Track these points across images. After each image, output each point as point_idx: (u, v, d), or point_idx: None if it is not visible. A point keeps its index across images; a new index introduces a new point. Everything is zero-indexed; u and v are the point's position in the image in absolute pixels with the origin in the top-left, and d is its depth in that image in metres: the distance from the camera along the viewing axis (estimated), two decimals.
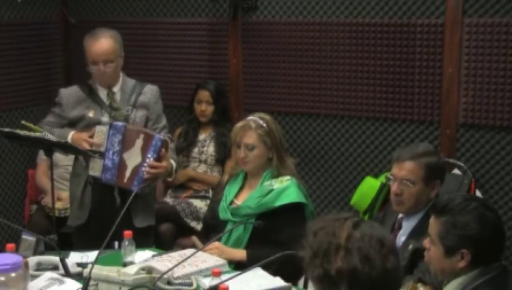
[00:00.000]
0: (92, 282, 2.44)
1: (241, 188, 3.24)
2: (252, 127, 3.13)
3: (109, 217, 3.11)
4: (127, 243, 2.82)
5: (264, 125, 3.13)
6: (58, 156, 3.76)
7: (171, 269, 2.57)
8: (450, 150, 3.92)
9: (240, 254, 3.04)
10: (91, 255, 2.89)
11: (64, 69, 5.07)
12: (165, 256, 2.94)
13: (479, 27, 3.77)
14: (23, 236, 2.92)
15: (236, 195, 3.22)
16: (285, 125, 4.41)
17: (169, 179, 4.11)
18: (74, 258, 2.92)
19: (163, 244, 3.86)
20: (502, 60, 3.74)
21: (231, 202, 3.20)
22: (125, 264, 2.74)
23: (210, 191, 4.29)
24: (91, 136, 3.40)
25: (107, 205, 3.43)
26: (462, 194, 3.19)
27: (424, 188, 2.84)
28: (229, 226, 3.10)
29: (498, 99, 3.78)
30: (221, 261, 2.90)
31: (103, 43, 3.44)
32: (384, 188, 3.68)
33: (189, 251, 2.92)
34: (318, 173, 4.38)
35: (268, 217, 3.02)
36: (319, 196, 4.39)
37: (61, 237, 3.17)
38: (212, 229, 3.24)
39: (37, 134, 3.22)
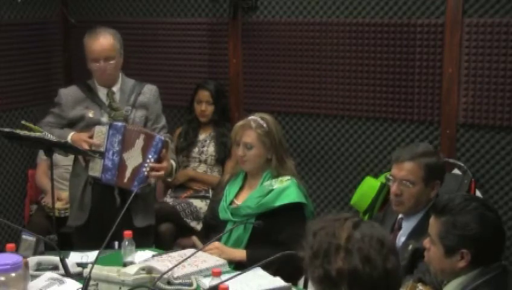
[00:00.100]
0: (92, 282, 2.44)
1: (241, 188, 3.24)
2: (252, 127, 3.13)
3: (109, 217, 3.11)
4: (127, 243, 2.82)
5: (265, 125, 3.13)
6: (58, 156, 3.76)
7: (171, 269, 2.57)
8: (450, 150, 3.92)
9: (240, 254, 3.04)
10: (91, 255, 2.89)
11: (64, 69, 5.07)
12: (165, 256, 2.94)
13: (479, 27, 3.77)
14: (23, 236, 2.92)
15: (237, 195, 3.22)
16: (285, 125, 4.41)
17: (169, 179, 4.12)
18: (74, 258, 2.92)
19: (163, 244, 3.86)
20: (502, 60, 3.74)
21: (231, 202, 3.20)
22: (125, 264, 2.74)
23: (210, 191, 4.29)
24: (90, 137, 3.40)
25: (107, 205, 3.43)
26: (462, 194, 3.19)
27: (424, 189, 2.84)
28: (229, 226, 3.10)
29: (498, 99, 3.78)
30: (221, 261, 2.90)
31: (104, 40, 3.45)
32: (384, 188, 3.68)
33: (189, 251, 2.92)
34: (318, 173, 4.38)
35: (268, 217, 3.02)
36: (319, 196, 4.39)
37: (61, 237, 3.17)
38: (212, 229, 3.24)
39: (37, 134, 3.22)
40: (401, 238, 2.88)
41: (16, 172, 4.75)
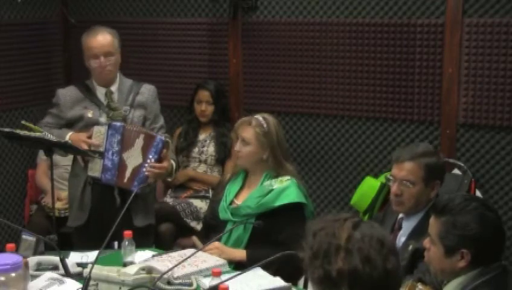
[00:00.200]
0: (92, 282, 2.44)
1: (241, 188, 3.24)
2: (252, 124, 3.15)
3: (109, 217, 3.12)
4: (127, 243, 2.82)
5: (265, 125, 3.13)
6: (58, 156, 3.77)
7: (171, 269, 2.57)
8: (450, 150, 3.92)
9: (240, 254, 3.05)
10: (91, 255, 2.89)
11: (64, 69, 5.07)
12: (165, 256, 2.94)
13: (479, 27, 3.77)
14: (23, 236, 2.92)
15: (237, 195, 3.22)
16: (285, 125, 4.41)
17: (169, 179, 4.12)
18: (74, 258, 2.92)
19: (163, 244, 3.86)
20: (502, 60, 3.74)
21: (231, 202, 3.20)
22: (125, 264, 2.74)
23: (210, 191, 4.29)
24: (89, 137, 3.40)
25: (107, 205, 3.43)
26: (462, 194, 3.19)
27: (424, 189, 2.84)
28: (229, 226, 3.10)
29: (498, 99, 3.78)
30: (221, 261, 2.91)
31: (103, 37, 3.46)
32: (384, 188, 3.67)
33: (189, 251, 2.92)
34: (318, 173, 4.38)
35: (268, 217, 3.02)
36: (319, 196, 4.39)
37: (61, 237, 3.17)
38: (212, 229, 3.24)
39: (37, 134, 3.23)
40: (401, 238, 2.88)
41: (16, 172, 4.75)
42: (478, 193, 3.78)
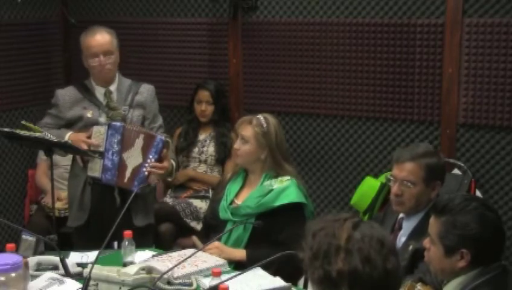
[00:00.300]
0: (92, 282, 2.44)
1: (241, 188, 3.24)
2: (252, 123, 3.15)
3: (109, 217, 3.12)
4: (127, 243, 2.81)
5: (264, 125, 3.13)
6: (57, 156, 3.77)
7: (171, 269, 2.57)
8: (450, 150, 3.92)
9: (240, 253, 3.05)
10: (91, 255, 2.89)
11: (64, 69, 5.07)
12: (165, 256, 2.94)
13: (479, 27, 3.77)
14: (23, 236, 2.92)
15: (237, 195, 3.22)
16: (285, 125, 4.41)
17: (169, 179, 4.12)
18: (74, 258, 2.92)
19: (163, 244, 3.86)
20: (502, 60, 3.74)
21: (231, 202, 3.20)
22: (125, 264, 2.74)
23: (210, 191, 4.29)
24: (88, 137, 3.39)
25: (107, 205, 3.43)
26: (462, 194, 3.19)
27: (425, 189, 2.84)
28: (229, 226, 3.10)
29: (498, 99, 3.78)
30: (221, 261, 2.91)
31: (102, 36, 3.47)
32: (384, 188, 3.68)
33: (189, 251, 2.92)
34: (318, 173, 4.38)
35: (268, 217, 3.02)
36: (319, 196, 4.39)
37: (61, 237, 3.17)
38: (212, 229, 3.25)
39: (37, 134, 3.22)
40: (401, 238, 2.88)
41: (16, 172, 4.75)
42: (478, 193, 3.78)
